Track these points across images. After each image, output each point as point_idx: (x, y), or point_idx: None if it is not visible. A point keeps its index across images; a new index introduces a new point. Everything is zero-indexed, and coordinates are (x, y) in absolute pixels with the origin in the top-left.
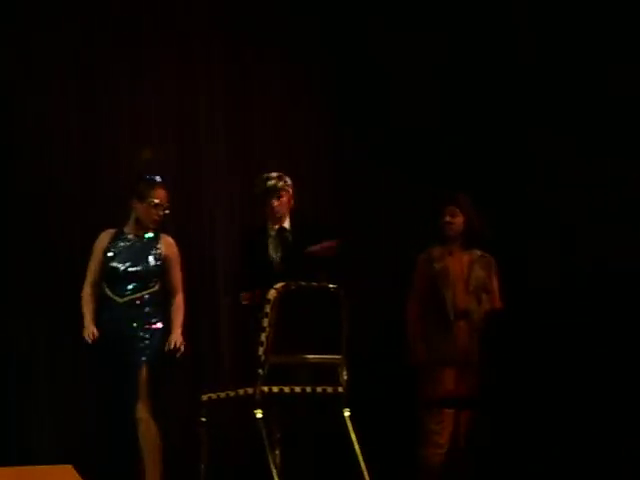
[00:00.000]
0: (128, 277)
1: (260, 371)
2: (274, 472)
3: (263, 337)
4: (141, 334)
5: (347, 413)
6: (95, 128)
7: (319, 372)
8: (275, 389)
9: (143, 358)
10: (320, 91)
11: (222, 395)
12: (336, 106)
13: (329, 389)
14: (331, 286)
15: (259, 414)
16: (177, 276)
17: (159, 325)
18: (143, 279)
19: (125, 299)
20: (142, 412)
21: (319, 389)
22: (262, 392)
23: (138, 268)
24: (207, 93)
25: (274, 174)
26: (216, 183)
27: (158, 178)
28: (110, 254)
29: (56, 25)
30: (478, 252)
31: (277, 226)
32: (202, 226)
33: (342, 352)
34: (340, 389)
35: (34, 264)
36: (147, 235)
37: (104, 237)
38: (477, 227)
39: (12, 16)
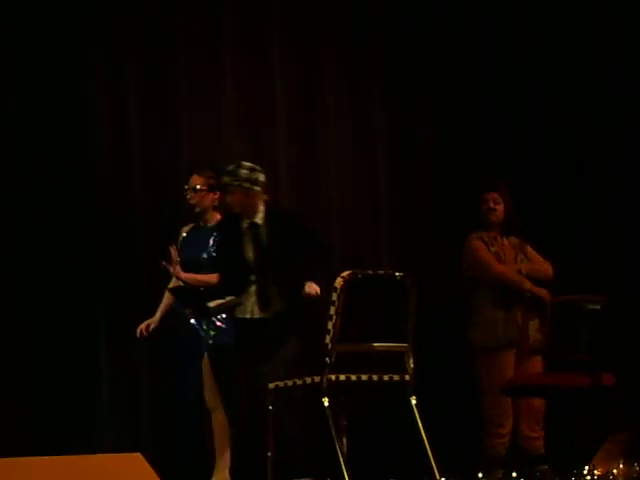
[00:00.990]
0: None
1: (327, 359)
2: (341, 460)
3: (330, 325)
4: (208, 323)
5: (414, 401)
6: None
7: (386, 360)
8: (342, 377)
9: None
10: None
11: (289, 383)
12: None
13: (395, 377)
14: (397, 274)
15: (326, 402)
16: None
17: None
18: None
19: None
20: (211, 401)
21: (386, 377)
22: (329, 380)
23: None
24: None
25: (231, 167)
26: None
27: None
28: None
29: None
30: (516, 239)
31: (248, 221)
32: None
33: (408, 340)
34: (407, 377)
35: (114, 256)
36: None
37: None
38: (514, 215)
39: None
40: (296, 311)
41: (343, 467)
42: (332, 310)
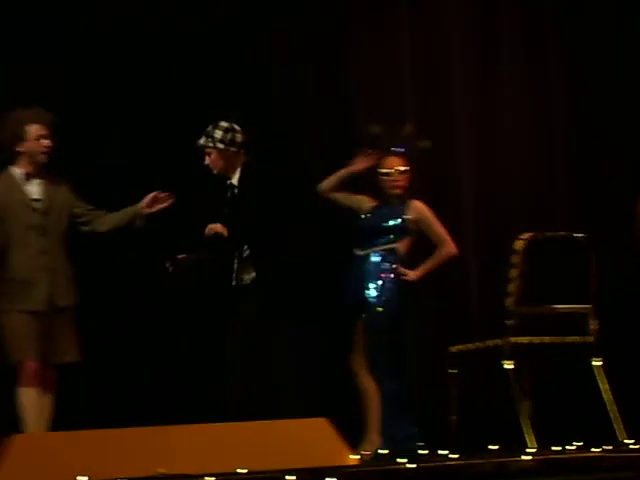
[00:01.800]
0: None
1: (509, 322)
2: (524, 423)
3: (512, 288)
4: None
5: (597, 363)
6: None
7: (568, 322)
8: (524, 340)
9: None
10: None
11: (471, 347)
12: None
13: (578, 339)
14: (578, 235)
15: (508, 365)
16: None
17: (387, 284)
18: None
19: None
20: (357, 364)
21: (568, 339)
22: (511, 343)
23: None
24: None
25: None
26: None
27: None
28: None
29: None
30: None
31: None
32: None
33: (591, 301)
34: (589, 339)
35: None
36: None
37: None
38: None
39: None
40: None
41: (527, 431)
42: (513, 273)
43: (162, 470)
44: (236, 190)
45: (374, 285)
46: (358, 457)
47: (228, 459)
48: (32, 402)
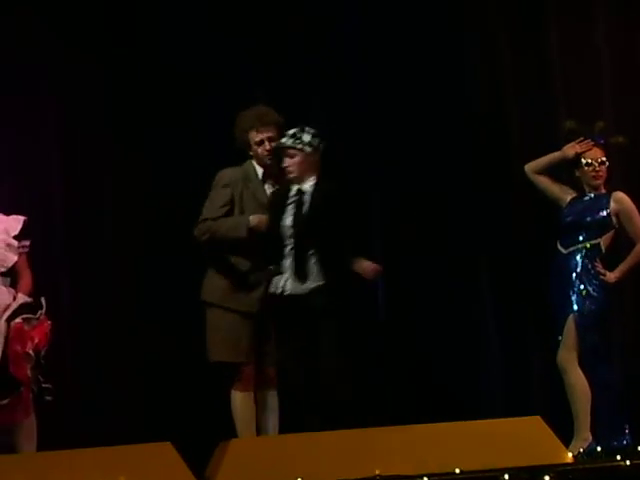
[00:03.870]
0: None
1: None
2: None
3: None
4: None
5: None
6: None
7: None
8: None
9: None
10: None
11: None
12: None
13: None
14: None
15: None
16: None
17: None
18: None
19: None
20: (565, 362)
21: None
22: None
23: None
24: None
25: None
26: None
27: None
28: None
29: None
30: None
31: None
32: None
33: None
34: None
35: None
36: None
37: None
38: None
39: None
40: (338, 288)
41: None
42: None
43: (379, 471)
44: (306, 196)
45: (580, 282)
46: (572, 455)
47: (444, 459)
48: (244, 406)
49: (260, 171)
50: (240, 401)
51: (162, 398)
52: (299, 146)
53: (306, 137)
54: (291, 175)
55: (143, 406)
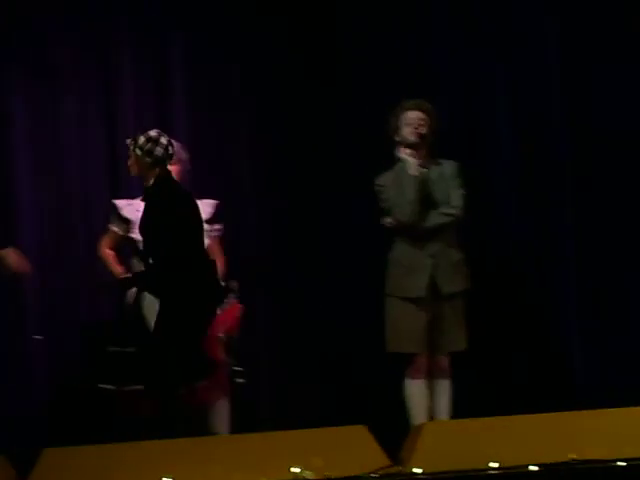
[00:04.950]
0: None
1: None
2: None
3: None
4: None
5: None
6: None
7: None
8: None
9: None
10: None
11: None
12: None
13: None
14: None
15: None
16: None
17: None
18: None
19: None
20: None
21: None
22: None
23: None
24: None
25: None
26: None
27: None
28: None
29: None
30: None
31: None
32: None
33: None
34: None
35: None
36: None
37: None
38: None
39: None
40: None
41: None
42: None
43: (573, 455)
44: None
45: None
46: None
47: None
48: (417, 394)
49: None
50: (410, 389)
51: (351, 383)
52: (131, 147)
53: (141, 140)
54: (131, 174)
55: (335, 391)
